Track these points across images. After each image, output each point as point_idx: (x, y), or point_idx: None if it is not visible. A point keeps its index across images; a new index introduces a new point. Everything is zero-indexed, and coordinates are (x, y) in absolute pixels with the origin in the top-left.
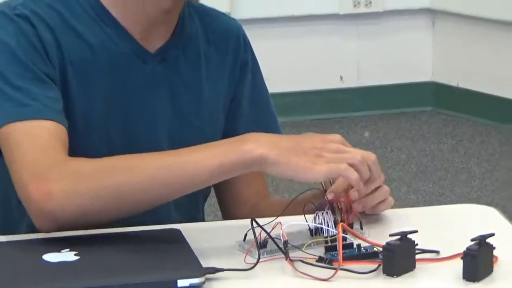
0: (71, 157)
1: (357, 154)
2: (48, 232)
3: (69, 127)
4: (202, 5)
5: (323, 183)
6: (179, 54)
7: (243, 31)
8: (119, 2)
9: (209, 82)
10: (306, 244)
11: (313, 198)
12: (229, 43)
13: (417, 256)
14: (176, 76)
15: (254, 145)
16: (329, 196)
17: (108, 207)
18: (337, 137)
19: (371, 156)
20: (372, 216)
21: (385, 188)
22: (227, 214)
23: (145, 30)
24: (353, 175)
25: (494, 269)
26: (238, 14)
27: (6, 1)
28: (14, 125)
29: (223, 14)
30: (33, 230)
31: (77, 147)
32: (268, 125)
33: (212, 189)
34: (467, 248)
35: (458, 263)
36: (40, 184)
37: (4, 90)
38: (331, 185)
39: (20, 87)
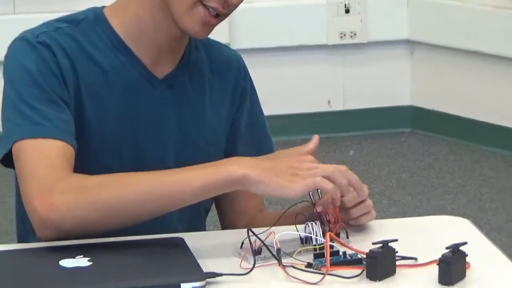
0: (75, 173)
1: (328, 167)
2: (48, 240)
3: (83, 145)
4: (207, 38)
5: (311, 197)
6: (185, 80)
7: (243, 61)
8: (133, 31)
9: (212, 106)
10: (297, 251)
11: (303, 210)
12: (230, 72)
13: (397, 262)
14: (183, 100)
15: (237, 167)
16: (318, 208)
17: (105, 218)
18: (309, 157)
19: (341, 167)
20: (356, 227)
21: (369, 201)
22: (227, 225)
23: (155, 57)
24: (329, 185)
25: (467, 274)
26: (237, 44)
27: (30, 29)
28: (26, 142)
29: (225, 46)
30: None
31: (91, 163)
32: (263, 145)
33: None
34: (442, 255)
35: (434, 269)
36: (45, 197)
37: (21, 109)
38: (319, 198)
39: (35, 108)
